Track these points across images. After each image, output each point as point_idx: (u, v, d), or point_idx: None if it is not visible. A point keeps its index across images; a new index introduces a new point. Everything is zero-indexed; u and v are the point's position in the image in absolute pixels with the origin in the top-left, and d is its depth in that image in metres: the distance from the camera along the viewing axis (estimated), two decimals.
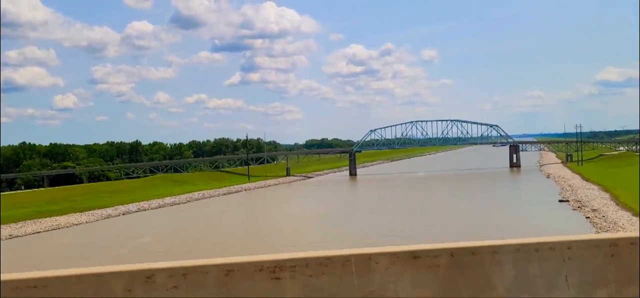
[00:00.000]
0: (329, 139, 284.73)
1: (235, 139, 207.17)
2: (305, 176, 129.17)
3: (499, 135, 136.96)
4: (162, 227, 59.42)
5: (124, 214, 71.22)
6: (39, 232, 58.08)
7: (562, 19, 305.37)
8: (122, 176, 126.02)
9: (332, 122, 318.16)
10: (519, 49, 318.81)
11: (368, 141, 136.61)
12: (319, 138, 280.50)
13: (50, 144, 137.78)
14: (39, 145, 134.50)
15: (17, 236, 55.93)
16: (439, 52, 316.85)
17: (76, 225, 62.99)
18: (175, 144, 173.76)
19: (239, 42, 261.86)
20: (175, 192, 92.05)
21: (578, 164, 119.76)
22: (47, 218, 64.47)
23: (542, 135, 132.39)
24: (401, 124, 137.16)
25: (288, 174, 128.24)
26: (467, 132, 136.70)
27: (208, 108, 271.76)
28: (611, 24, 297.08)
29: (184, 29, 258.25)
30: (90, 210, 72.47)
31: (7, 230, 57.85)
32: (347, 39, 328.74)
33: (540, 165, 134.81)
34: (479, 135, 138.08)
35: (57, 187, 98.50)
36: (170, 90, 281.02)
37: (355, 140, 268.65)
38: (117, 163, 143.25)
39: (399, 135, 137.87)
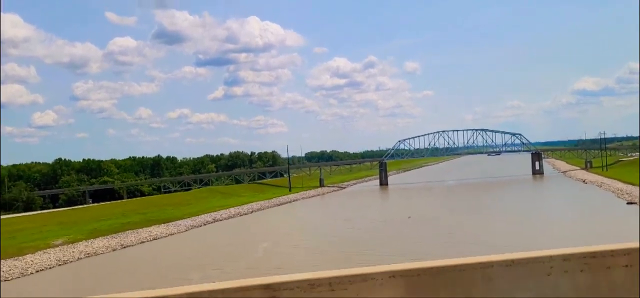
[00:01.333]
0: (328, 151, 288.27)
1: (249, 152, 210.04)
2: (338, 186, 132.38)
3: (521, 143, 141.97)
4: (261, 233, 62.06)
5: (205, 224, 73.63)
6: (143, 243, 60.33)
7: (540, 29, 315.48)
8: (162, 190, 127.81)
9: (315, 134, 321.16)
10: (498, 59, 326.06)
11: (398, 150, 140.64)
12: (318, 150, 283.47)
13: (83, 160, 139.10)
14: (74, 161, 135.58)
15: (129, 246, 58.16)
16: (421, 63, 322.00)
17: (171, 235, 65.32)
18: (197, 158, 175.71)
19: (223, 57, 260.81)
20: (232, 203, 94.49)
21: (603, 170, 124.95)
22: (140, 229, 66.58)
23: (524, 144, 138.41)
24: (428, 134, 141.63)
25: (321, 185, 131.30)
26: (492, 141, 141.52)
27: (191, 123, 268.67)
28: (587, 34, 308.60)
29: (167, 45, 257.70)
30: (166, 222, 74.33)
31: (114, 240, 59.97)
32: (331, 52, 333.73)
33: (562, 172, 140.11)
34: (503, 143, 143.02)
35: (119, 201, 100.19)
36: (153, 105, 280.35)
37: (352, 151, 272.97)
38: (142, 178, 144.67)
39: (425, 145, 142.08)
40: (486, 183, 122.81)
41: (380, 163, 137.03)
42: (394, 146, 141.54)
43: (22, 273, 45.65)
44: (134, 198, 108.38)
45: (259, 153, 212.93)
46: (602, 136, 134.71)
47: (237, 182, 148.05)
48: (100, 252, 54.55)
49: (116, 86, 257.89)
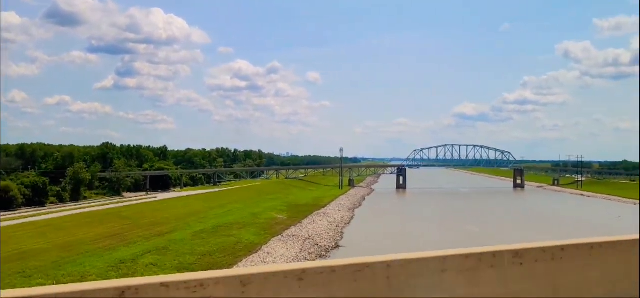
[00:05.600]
0: (268, 152, 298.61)
1: (233, 149, 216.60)
2: (368, 187, 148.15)
3: (508, 160, 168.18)
4: (440, 217, 76.63)
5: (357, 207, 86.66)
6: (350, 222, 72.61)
7: (432, 56, 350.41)
8: (211, 180, 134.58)
9: (205, 134, 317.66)
10: (391, 79, 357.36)
11: (415, 159, 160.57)
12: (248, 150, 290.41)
13: (122, 146, 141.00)
14: (118, 146, 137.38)
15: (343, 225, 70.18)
16: (322, 75, 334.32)
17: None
18: (205, 151, 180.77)
19: (119, 45, 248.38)
20: (323, 195, 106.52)
21: (577, 186, 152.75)
22: (315, 214, 77.93)
23: (510, 161, 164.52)
24: (437, 146, 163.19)
25: (351, 185, 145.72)
26: (487, 156, 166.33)
27: (70, 111, 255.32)
28: (469, 63, 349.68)
29: (58, 26, 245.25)
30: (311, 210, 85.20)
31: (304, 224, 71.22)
32: (235, 54, 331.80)
33: (538, 187, 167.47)
34: (494, 158, 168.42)
35: (224, 189, 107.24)
36: (30, 89, 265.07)
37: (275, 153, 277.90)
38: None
39: (434, 156, 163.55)
40: (494, 191, 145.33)
41: (399, 169, 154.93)
42: (410, 155, 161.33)
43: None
44: (239, 187, 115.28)
45: (245, 151, 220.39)
46: (580, 159, 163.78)
47: (236, 177, 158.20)
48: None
49: None
